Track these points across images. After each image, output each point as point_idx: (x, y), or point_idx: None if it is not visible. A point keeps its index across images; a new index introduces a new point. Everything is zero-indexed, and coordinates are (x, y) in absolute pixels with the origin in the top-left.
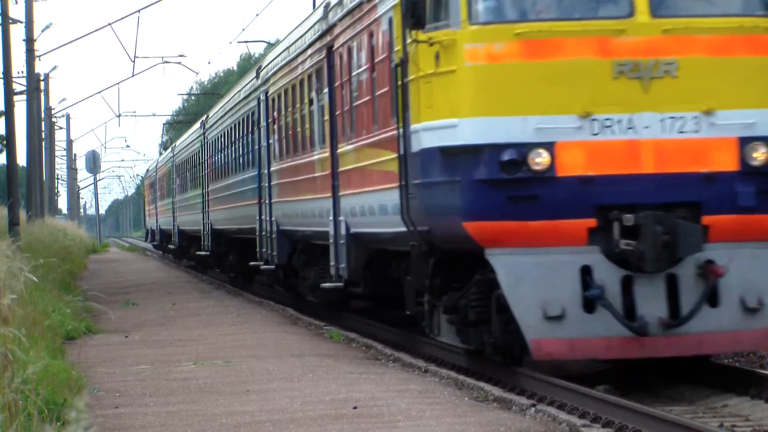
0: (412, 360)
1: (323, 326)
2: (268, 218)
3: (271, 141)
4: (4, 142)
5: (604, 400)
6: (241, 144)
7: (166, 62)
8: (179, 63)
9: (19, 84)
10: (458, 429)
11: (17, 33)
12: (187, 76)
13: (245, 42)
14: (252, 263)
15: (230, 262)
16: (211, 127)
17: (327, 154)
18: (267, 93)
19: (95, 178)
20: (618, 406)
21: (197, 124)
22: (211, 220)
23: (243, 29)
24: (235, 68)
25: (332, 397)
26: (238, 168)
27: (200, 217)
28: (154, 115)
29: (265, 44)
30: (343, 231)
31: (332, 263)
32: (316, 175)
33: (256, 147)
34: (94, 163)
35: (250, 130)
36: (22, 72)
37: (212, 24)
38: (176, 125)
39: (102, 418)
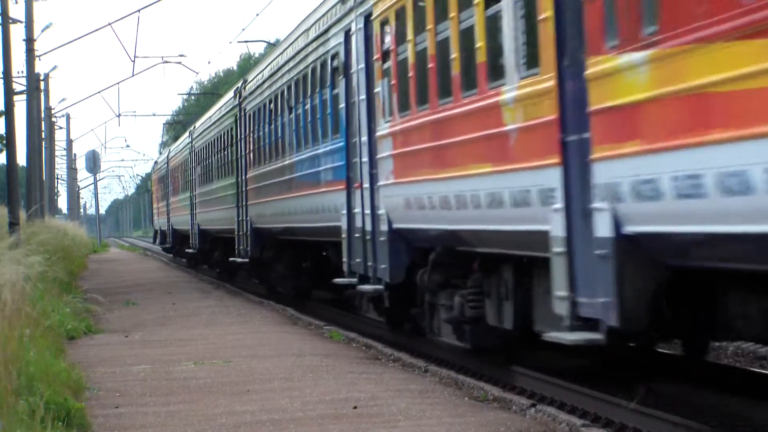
0: (412, 360)
1: (323, 326)
2: (366, 210)
3: (377, 90)
4: (4, 141)
5: (604, 400)
6: (310, 107)
7: (166, 62)
8: (179, 63)
9: (19, 84)
10: (458, 429)
11: (17, 33)
12: (187, 76)
13: (245, 42)
14: (338, 280)
15: (279, 273)
16: (252, 94)
17: (546, 86)
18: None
19: (95, 178)
20: (618, 406)
21: (229, 94)
22: (251, 217)
23: (243, 29)
24: (235, 68)
25: (332, 397)
26: (304, 141)
27: (233, 213)
28: (154, 115)
29: (265, 44)
30: (605, 231)
31: (560, 293)
32: (507, 128)
33: (341, 106)
34: (94, 162)
35: (328, 82)
36: (22, 72)
37: (212, 24)
38: (176, 125)
39: (102, 418)
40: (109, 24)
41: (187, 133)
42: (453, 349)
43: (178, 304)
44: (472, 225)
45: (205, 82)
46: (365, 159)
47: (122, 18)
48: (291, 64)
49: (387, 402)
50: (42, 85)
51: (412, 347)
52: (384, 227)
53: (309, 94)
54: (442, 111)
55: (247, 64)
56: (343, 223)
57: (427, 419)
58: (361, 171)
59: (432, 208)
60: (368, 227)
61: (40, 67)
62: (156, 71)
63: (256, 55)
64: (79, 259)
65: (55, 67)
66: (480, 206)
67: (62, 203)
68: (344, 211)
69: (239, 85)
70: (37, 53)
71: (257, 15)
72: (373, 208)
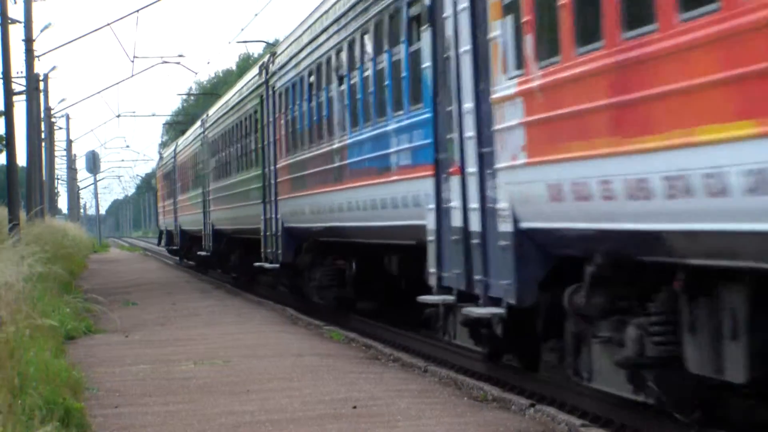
0: (411, 360)
1: (323, 326)
2: (472, 204)
3: (494, 35)
4: (4, 142)
5: (604, 400)
6: (372, 72)
7: (166, 62)
8: (178, 63)
9: (19, 84)
10: (457, 429)
11: (16, 33)
12: (187, 76)
13: (244, 42)
14: (426, 298)
15: (317, 281)
16: (283, 68)
17: None
18: None
19: (95, 178)
20: (618, 405)
21: (252, 72)
22: (282, 215)
23: (242, 29)
24: (234, 68)
25: (332, 397)
26: (363, 118)
27: (258, 210)
28: (153, 115)
29: (264, 44)
30: None
31: None
32: None
33: (426, 65)
34: (93, 163)
35: (401, 37)
36: (22, 72)
37: (211, 24)
38: (176, 125)
39: (102, 418)
40: (108, 24)
41: (198, 123)
42: (616, 403)
43: (177, 304)
44: (695, 223)
45: (205, 83)
46: (470, 133)
47: (121, 18)
48: (343, 21)
49: (386, 402)
50: (41, 85)
51: (411, 347)
52: (505, 227)
53: (371, 56)
54: (632, 48)
55: (246, 64)
56: (430, 222)
57: (427, 419)
58: (462, 150)
59: (607, 198)
60: (474, 227)
61: (39, 68)
62: (155, 71)
63: (255, 56)
64: (79, 259)
65: (54, 68)
66: (724, 192)
67: (62, 204)
68: (431, 206)
69: (265, 59)
70: (36, 53)
71: (256, 15)
72: (484, 200)
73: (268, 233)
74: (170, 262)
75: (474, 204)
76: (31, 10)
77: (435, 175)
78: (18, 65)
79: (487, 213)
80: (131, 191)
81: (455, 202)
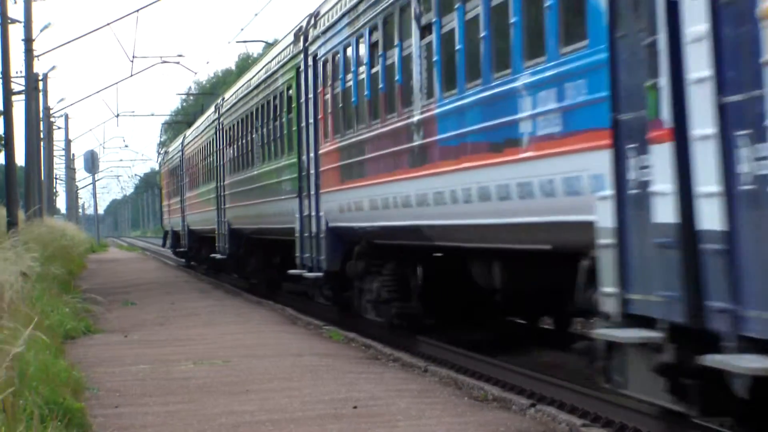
0: (411, 359)
1: (322, 326)
2: (705, 187)
3: None
4: (3, 142)
5: (604, 400)
6: (484, 9)
7: (165, 62)
8: (178, 63)
9: (18, 84)
10: (458, 429)
11: (16, 33)
12: (186, 76)
13: (244, 42)
14: (617, 334)
15: (375, 294)
16: (331, 28)
17: None
18: None
19: (94, 178)
20: (618, 405)
21: (284, 41)
22: (324, 213)
23: (242, 29)
24: (234, 68)
25: (332, 397)
26: (464, 76)
27: (291, 206)
28: (152, 115)
29: (263, 44)
30: None
31: None
32: None
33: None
34: (92, 163)
35: None
36: (21, 72)
37: (211, 24)
38: (174, 125)
39: (102, 418)
40: (108, 24)
41: (212, 108)
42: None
43: (177, 304)
44: None
45: (204, 82)
46: (702, 73)
47: (121, 18)
48: None
49: (387, 402)
50: (40, 85)
51: (411, 347)
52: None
53: None
54: None
55: (246, 64)
56: (604, 217)
57: (427, 419)
58: (680, 102)
59: None
60: (710, 224)
61: (38, 67)
62: (154, 71)
63: (255, 55)
64: (78, 259)
65: (53, 67)
66: None
67: (61, 203)
68: (605, 192)
69: (303, 24)
70: (35, 53)
71: (256, 15)
72: (732, 180)
73: (305, 234)
74: (170, 262)
75: (709, 187)
76: (31, 9)
77: (614, 144)
78: (17, 65)
79: (739, 201)
80: (130, 191)
81: (661, 185)
